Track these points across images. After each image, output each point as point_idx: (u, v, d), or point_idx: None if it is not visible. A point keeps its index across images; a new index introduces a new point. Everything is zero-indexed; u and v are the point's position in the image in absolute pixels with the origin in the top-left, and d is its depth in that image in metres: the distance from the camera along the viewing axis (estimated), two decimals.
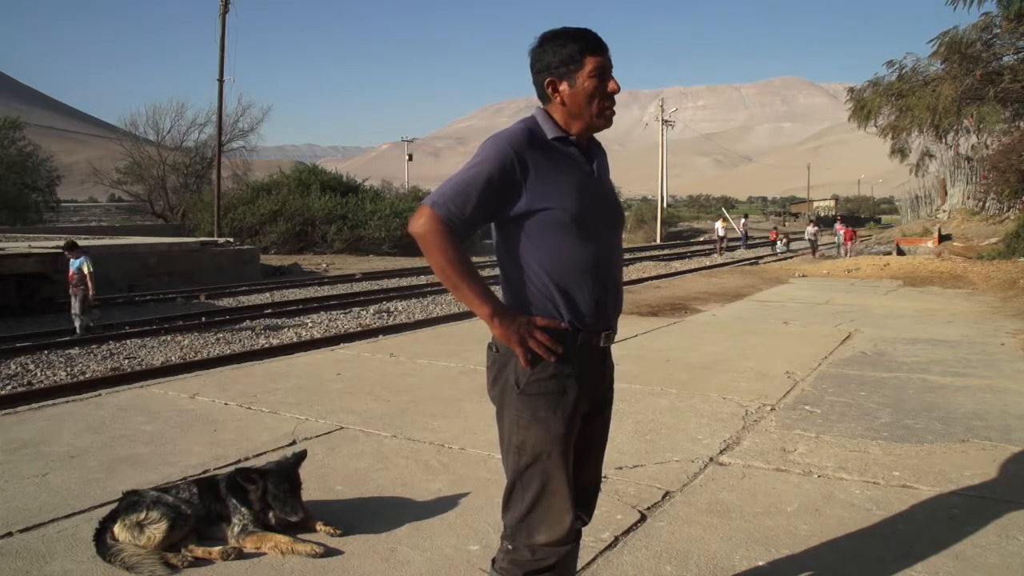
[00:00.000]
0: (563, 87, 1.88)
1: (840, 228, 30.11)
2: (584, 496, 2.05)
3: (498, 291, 1.95)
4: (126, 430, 4.29)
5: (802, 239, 34.24)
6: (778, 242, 33.59)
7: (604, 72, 1.87)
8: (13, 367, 8.30)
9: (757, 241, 38.93)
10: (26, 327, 11.07)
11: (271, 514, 2.85)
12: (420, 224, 1.80)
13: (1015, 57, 18.11)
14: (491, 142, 1.86)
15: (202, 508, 2.82)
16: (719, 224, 34.05)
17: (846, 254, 26.61)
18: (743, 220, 38.11)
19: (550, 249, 1.85)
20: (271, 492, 2.84)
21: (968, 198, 27.26)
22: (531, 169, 1.83)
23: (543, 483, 1.86)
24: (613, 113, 1.93)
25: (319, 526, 2.89)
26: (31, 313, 12.47)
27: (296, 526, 2.86)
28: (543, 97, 1.93)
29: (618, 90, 1.91)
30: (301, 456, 3.04)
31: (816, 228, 31.77)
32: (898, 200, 40.65)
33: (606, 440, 2.12)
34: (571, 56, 1.86)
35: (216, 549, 2.70)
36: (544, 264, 1.86)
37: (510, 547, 1.91)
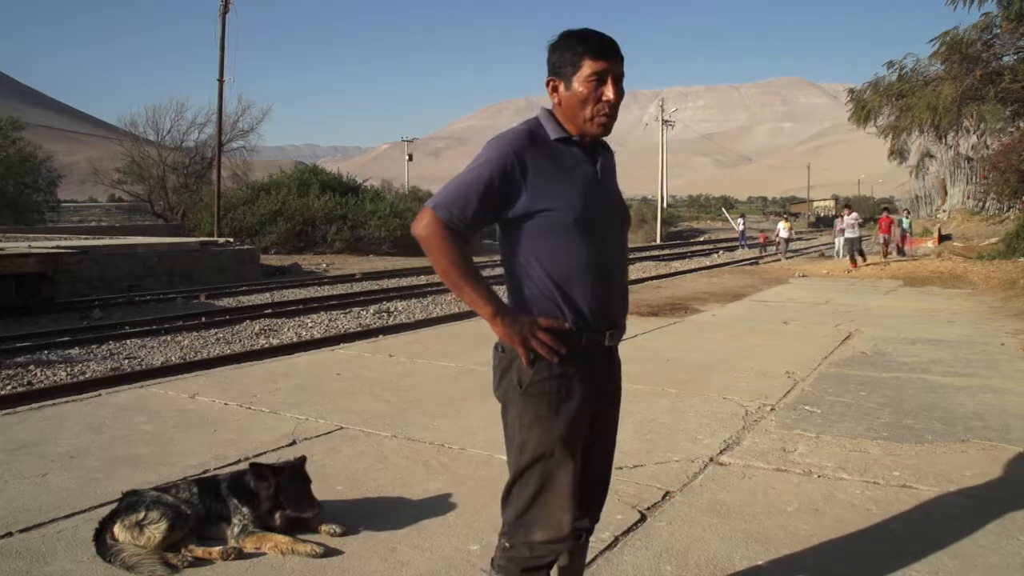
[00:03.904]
0: (561, 88, 1.88)
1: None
2: (590, 493, 2.04)
3: (503, 291, 1.95)
4: (126, 430, 4.29)
5: (803, 239, 33.12)
6: None
7: (603, 78, 1.83)
8: (13, 367, 8.29)
9: (758, 241, 38.91)
10: (26, 327, 11.06)
11: (278, 514, 2.85)
12: (423, 226, 1.83)
13: (1015, 57, 18.14)
14: (493, 143, 1.87)
15: (202, 508, 2.82)
16: (782, 224, 28.70)
17: (887, 244, 22.69)
18: (741, 220, 38.02)
19: (551, 249, 1.85)
20: (284, 488, 2.85)
21: (968, 198, 27.27)
22: (531, 170, 1.83)
23: (542, 482, 1.87)
24: (607, 121, 1.87)
25: (322, 527, 2.89)
26: (31, 313, 12.47)
27: (299, 526, 2.87)
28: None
29: (614, 99, 1.85)
30: (302, 460, 3.05)
31: (855, 219, 18.49)
32: (898, 200, 40.68)
33: (614, 439, 2.11)
34: (572, 58, 1.85)
35: (216, 549, 2.70)
36: (545, 264, 1.86)
37: (508, 545, 1.93)
